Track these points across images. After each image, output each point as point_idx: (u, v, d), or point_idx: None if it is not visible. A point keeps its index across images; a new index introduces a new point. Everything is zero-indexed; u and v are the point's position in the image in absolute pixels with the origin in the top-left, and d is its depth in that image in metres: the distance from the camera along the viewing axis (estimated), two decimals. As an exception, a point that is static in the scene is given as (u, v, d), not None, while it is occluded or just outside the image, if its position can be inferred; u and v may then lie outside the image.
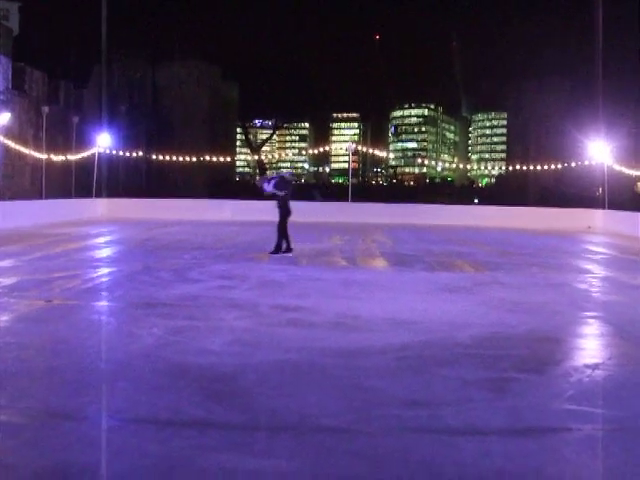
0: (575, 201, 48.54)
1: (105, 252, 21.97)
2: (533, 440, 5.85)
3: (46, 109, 46.06)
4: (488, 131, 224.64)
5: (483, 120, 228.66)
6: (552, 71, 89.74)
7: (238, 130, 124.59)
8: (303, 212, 40.53)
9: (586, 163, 44.78)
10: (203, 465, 5.16)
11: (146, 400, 6.66)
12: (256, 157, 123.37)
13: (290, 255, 19.99)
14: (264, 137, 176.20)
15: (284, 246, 20.36)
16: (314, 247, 23.44)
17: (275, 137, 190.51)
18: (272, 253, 20.20)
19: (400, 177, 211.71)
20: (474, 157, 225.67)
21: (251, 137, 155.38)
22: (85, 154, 47.26)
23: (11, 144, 39.84)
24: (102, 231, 30.23)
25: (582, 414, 6.50)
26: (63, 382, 7.26)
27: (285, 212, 20.56)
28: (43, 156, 43.92)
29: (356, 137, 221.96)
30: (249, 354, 8.49)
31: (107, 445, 5.60)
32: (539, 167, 50.86)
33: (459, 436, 5.86)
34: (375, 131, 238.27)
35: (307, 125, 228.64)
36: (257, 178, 27.24)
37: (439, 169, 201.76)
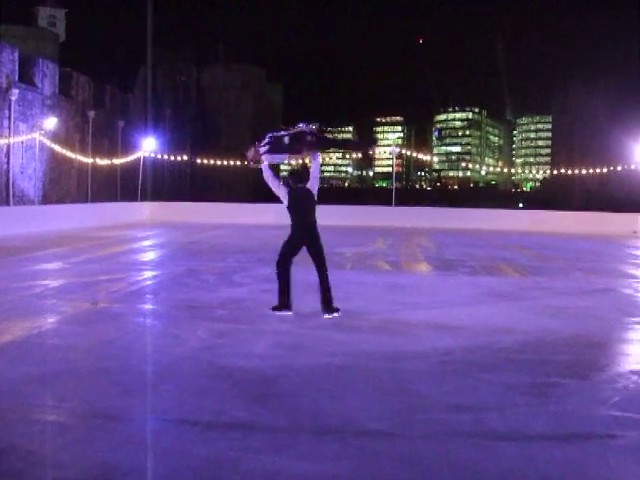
0: (621, 205, 48.00)
1: (150, 255, 22.14)
2: (577, 446, 5.82)
3: (92, 113, 46.55)
4: (533, 134, 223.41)
5: (528, 123, 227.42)
6: (598, 73, 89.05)
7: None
8: (345, 216, 40.65)
9: (632, 167, 44.35)
10: (248, 467, 5.20)
11: (191, 402, 6.72)
12: (300, 161, 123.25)
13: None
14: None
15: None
16: (358, 251, 23.43)
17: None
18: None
19: (444, 181, 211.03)
20: (518, 161, 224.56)
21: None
22: (130, 158, 47.69)
23: (58, 148, 40.27)
24: (147, 234, 30.46)
25: (628, 420, 6.45)
26: (109, 384, 7.34)
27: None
28: (89, 160, 44.37)
29: (400, 141, 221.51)
30: (293, 357, 8.53)
31: (152, 446, 5.65)
32: (584, 171, 50.44)
33: (502, 441, 5.85)
34: (419, 135, 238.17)
35: (351, 129, 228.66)
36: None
37: (483, 173, 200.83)
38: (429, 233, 34.06)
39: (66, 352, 8.65)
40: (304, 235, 11.32)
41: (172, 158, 53.71)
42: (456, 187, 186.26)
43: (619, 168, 47.50)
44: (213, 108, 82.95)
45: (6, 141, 36.14)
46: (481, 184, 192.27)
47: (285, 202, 11.36)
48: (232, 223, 37.96)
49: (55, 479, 5.05)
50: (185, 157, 57.71)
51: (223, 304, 12.31)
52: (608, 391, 7.37)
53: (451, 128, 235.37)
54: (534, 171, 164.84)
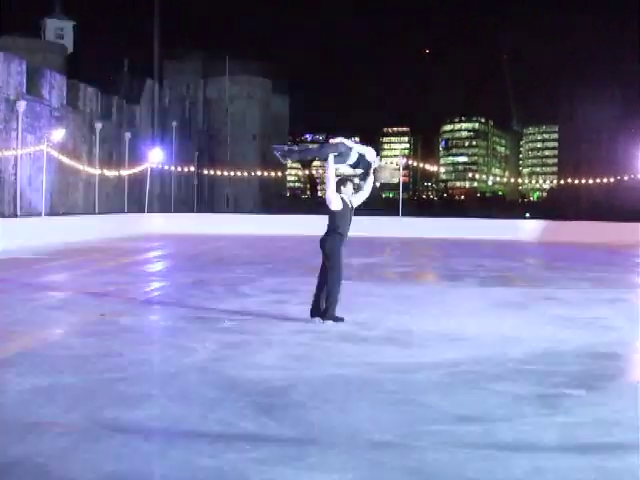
0: (628, 215, 47.88)
1: (157, 266, 22.16)
2: (586, 457, 5.79)
3: (99, 125, 46.72)
4: (539, 144, 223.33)
5: (534, 133, 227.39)
6: (604, 82, 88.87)
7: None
8: (352, 226, 40.53)
9: (639, 176, 44.25)
10: (255, 479, 5.18)
11: (199, 413, 6.70)
12: (307, 172, 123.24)
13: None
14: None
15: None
16: (365, 262, 23.41)
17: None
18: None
19: (451, 191, 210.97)
20: (525, 171, 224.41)
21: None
22: (137, 169, 47.77)
23: (65, 160, 40.37)
24: (154, 245, 30.49)
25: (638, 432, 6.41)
26: (117, 395, 7.33)
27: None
28: (96, 171, 44.48)
29: (406, 151, 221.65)
30: (301, 368, 8.51)
31: (160, 458, 5.63)
32: (591, 180, 50.32)
33: (511, 452, 5.82)
34: (425, 145, 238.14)
35: (357, 139, 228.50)
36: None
37: (490, 183, 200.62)
38: (436, 243, 34.04)
39: (74, 363, 8.65)
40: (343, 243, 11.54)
41: (179, 169, 53.79)
42: (463, 197, 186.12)
43: (626, 178, 47.40)
44: (219, 120, 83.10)
45: (14, 153, 36.25)
46: (488, 194, 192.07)
47: (338, 207, 11.41)
48: (239, 234, 37.98)
49: (63, 491, 5.05)
50: (192, 168, 57.76)
51: (231, 315, 12.30)
52: (617, 402, 7.34)
53: (457, 138, 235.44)
54: (541, 181, 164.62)
